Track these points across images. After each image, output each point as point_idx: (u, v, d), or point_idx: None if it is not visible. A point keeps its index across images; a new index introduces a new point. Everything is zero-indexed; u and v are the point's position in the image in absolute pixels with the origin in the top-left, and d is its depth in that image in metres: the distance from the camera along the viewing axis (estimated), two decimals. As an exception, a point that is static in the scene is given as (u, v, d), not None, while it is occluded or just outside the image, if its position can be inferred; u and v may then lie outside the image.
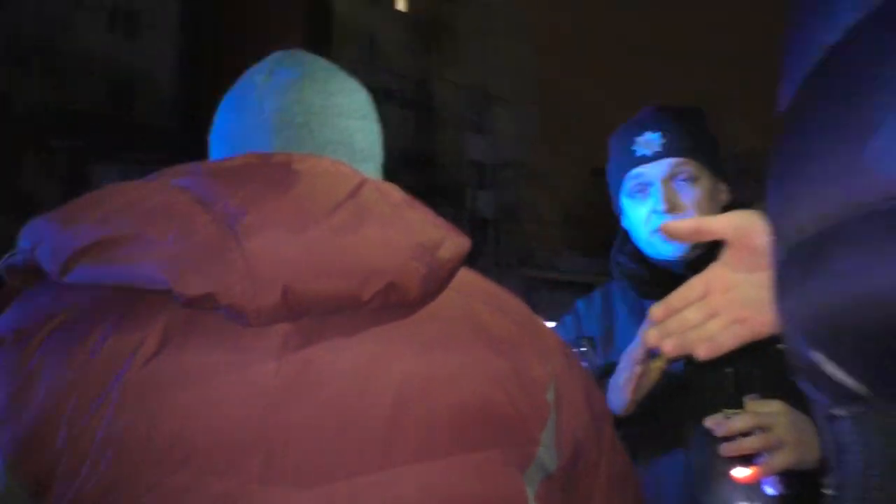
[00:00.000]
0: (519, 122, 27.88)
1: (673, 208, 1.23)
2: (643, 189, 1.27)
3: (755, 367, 1.12)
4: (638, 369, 1.03)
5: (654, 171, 1.25)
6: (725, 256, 0.73)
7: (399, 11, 25.53)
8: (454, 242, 0.65)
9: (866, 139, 0.38)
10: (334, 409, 0.58)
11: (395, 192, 0.66)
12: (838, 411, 0.43)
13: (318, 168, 0.64)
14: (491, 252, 25.42)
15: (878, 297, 0.38)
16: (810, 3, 0.47)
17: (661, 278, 1.26)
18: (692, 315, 0.72)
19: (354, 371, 0.60)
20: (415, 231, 0.63)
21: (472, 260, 0.69)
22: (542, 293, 30.46)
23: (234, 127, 0.75)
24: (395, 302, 0.61)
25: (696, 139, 1.26)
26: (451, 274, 0.65)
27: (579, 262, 29.60)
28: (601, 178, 1.41)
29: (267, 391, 0.58)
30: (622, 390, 1.06)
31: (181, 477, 0.54)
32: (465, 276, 0.71)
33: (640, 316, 1.24)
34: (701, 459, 1.09)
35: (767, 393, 1.04)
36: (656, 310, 0.73)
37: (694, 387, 1.15)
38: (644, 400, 1.08)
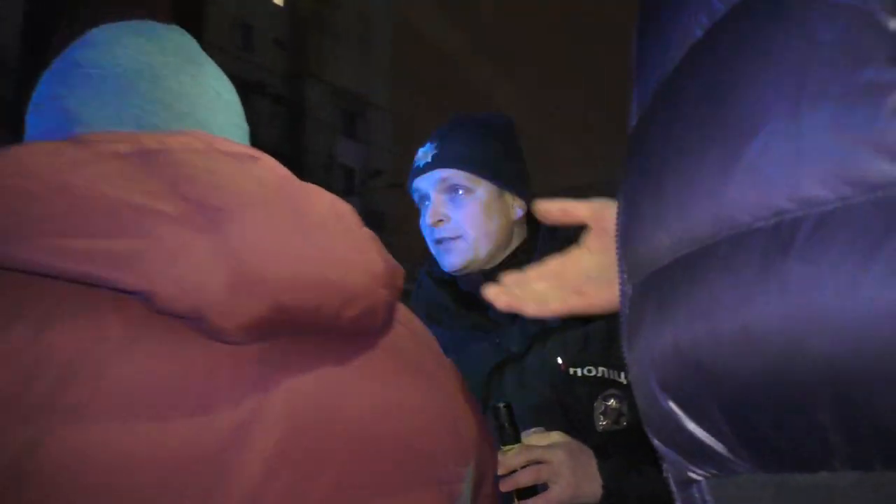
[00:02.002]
0: (391, 131, 27.94)
1: (440, 221, 1.21)
2: (422, 201, 1.25)
3: (537, 396, 1.13)
4: None
5: (426, 182, 1.23)
6: (584, 240, 0.75)
7: (276, 5, 24.85)
8: (400, 271, 0.61)
9: (744, 144, 0.32)
10: (296, 444, 0.49)
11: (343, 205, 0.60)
12: (693, 473, 0.37)
13: (279, 170, 0.56)
14: (354, 259, 24.97)
15: (752, 333, 0.31)
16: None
17: (467, 296, 1.25)
18: (540, 287, 0.74)
19: (315, 404, 0.52)
20: (381, 255, 0.58)
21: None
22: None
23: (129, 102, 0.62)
24: (363, 327, 0.56)
25: (473, 150, 1.22)
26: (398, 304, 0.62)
27: (441, 276, 29.89)
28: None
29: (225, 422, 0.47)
30: None
31: None
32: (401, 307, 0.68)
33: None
34: None
35: (550, 424, 1.05)
36: (508, 276, 0.75)
37: None
38: None
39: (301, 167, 23.92)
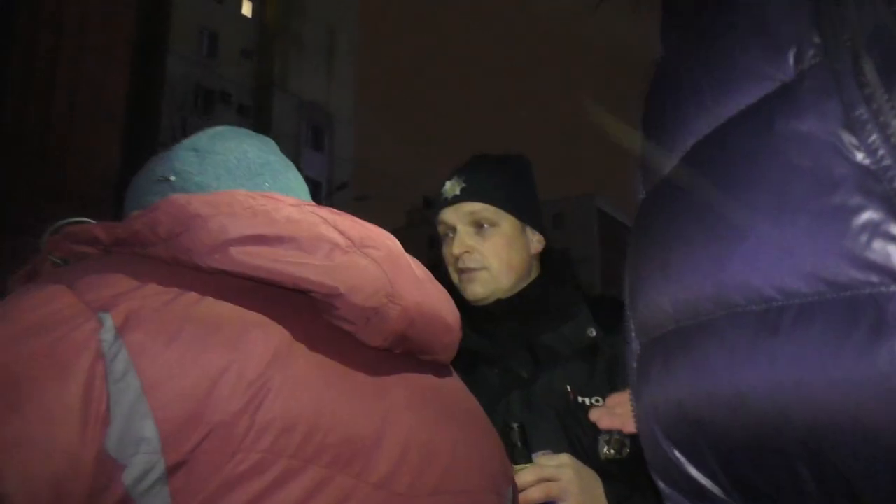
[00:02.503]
0: (357, 144, 27.90)
1: (467, 252, 1.26)
2: (447, 233, 1.30)
3: (546, 420, 1.17)
4: None
5: (453, 215, 1.28)
6: None
7: (244, 16, 24.72)
8: None
9: (738, 242, 0.38)
10: (417, 433, 0.63)
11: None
12: None
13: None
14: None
15: (745, 398, 0.37)
16: (675, 100, 0.47)
17: (479, 322, 1.28)
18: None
19: (425, 405, 0.66)
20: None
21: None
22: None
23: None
24: (446, 355, 0.70)
25: (499, 185, 1.28)
26: None
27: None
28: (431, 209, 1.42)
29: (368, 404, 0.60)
30: None
31: (316, 469, 0.54)
32: None
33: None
34: None
35: (555, 449, 1.09)
36: (612, 398, 0.88)
37: None
38: None
39: (265, 178, 23.56)
